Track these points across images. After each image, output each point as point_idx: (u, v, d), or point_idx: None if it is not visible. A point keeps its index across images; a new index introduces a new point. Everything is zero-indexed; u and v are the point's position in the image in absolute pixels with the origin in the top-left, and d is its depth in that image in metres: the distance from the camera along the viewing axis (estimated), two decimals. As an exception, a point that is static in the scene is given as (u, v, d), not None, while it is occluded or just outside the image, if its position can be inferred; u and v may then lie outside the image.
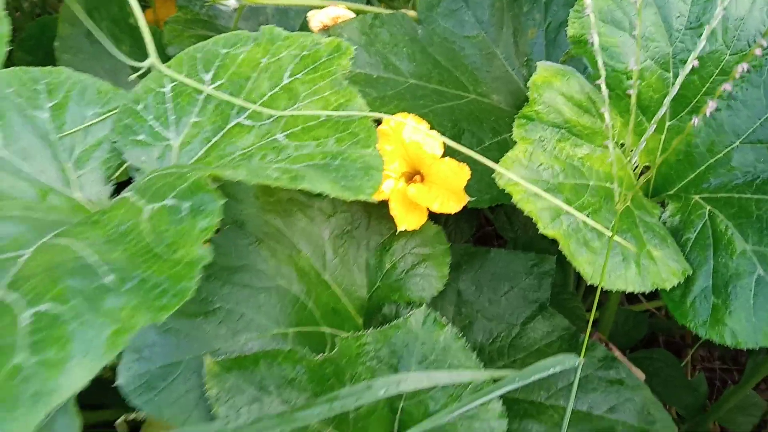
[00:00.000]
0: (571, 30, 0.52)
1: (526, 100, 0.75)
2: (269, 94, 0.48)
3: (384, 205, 0.56)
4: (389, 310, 0.55)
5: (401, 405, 0.47)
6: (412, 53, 0.71)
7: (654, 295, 1.10)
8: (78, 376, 0.24)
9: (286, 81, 0.48)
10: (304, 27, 0.72)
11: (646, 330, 1.02)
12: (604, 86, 0.42)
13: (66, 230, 0.34)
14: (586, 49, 0.51)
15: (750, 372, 0.82)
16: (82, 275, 0.28)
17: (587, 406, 0.60)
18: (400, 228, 0.52)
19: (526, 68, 0.73)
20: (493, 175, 0.49)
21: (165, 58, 0.82)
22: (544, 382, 0.62)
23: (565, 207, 0.43)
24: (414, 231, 0.56)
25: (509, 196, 0.56)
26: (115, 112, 0.52)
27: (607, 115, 0.41)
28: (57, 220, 0.38)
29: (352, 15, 0.70)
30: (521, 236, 0.98)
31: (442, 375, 0.40)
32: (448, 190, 0.52)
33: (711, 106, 0.36)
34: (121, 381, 0.42)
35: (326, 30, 0.68)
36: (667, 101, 0.43)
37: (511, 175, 0.44)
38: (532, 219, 1.08)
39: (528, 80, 0.74)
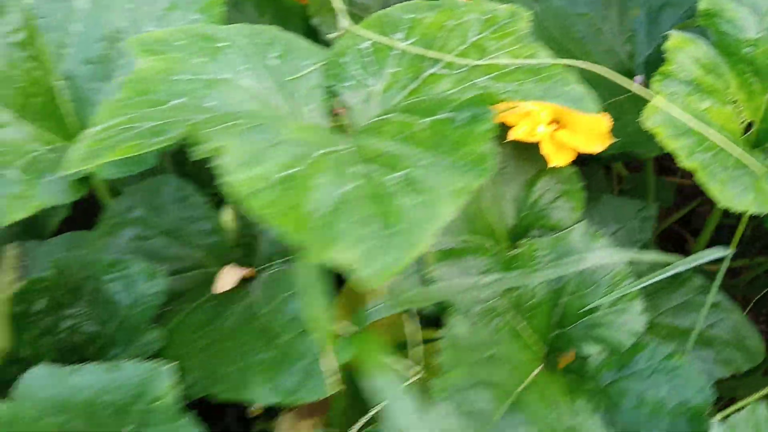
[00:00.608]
0: (702, 5, 0.63)
1: (628, 71, 0.87)
2: (459, 49, 0.59)
3: (529, 147, 0.67)
4: (534, 233, 0.66)
5: (562, 300, 0.59)
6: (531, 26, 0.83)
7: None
8: (448, 210, 0.35)
9: (472, 39, 0.59)
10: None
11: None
12: None
13: (356, 138, 0.45)
14: (713, 21, 0.62)
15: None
16: (408, 159, 0.40)
17: (689, 323, 0.72)
18: (551, 165, 0.64)
19: (629, 44, 0.85)
20: (637, 120, 0.61)
21: (308, 28, 0.94)
22: (651, 305, 0.73)
23: (717, 138, 0.55)
24: (555, 170, 0.67)
25: (636, 144, 0.68)
26: (321, 64, 0.63)
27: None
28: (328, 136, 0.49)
29: (482, -8, 0.82)
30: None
31: (623, 252, 0.50)
32: (590, 134, 0.64)
33: None
34: None
35: (463, 4, 0.80)
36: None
37: (674, 110, 0.55)
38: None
39: (631, 54, 0.86)
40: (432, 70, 0.59)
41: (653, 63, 0.86)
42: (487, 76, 0.55)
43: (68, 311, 0.67)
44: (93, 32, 0.65)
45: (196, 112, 0.50)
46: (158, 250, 0.70)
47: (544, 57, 0.55)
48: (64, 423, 0.55)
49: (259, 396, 0.54)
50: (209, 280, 0.72)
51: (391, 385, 0.34)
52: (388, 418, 0.32)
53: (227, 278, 0.71)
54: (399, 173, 0.38)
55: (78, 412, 0.54)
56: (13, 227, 0.71)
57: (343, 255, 0.33)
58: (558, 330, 0.60)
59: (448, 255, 0.53)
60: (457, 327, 0.51)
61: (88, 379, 0.53)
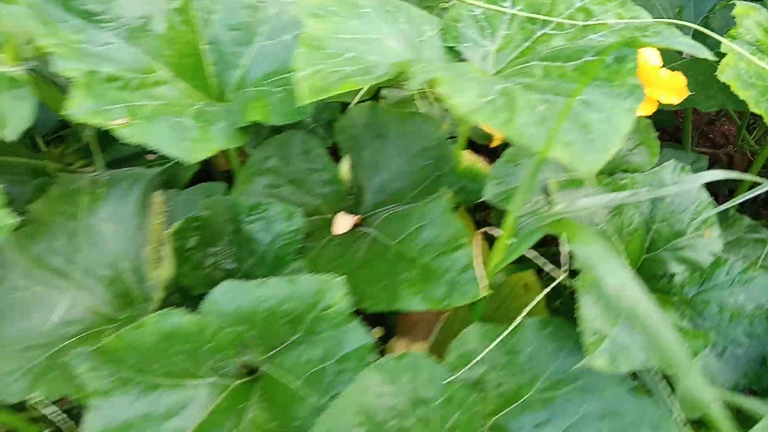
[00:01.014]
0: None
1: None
2: (566, 12, 0.69)
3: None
4: (618, 175, 0.77)
5: (654, 227, 0.70)
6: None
7: None
8: (626, 124, 0.46)
9: (578, 4, 0.69)
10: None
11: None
12: None
13: (506, 80, 0.55)
14: (768, -9, 0.74)
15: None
16: (572, 91, 0.50)
17: (741, 255, 0.83)
18: (638, 114, 0.74)
19: (678, 18, 0.96)
20: (715, 73, 0.72)
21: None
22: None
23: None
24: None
25: (695, 102, 0.79)
26: (439, 29, 0.73)
27: None
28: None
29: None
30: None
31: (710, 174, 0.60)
32: (669, 88, 0.75)
33: None
34: (488, 196, 0.65)
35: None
36: None
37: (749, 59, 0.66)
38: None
39: (679, 28, 0.98)
40: (543, 31, 0.69)
41: (700, 36, 0.98)
42: (599, 34, 0.65)
43: (211, 249, 0.76)
44: (237, 0, 0.74)
45: (368, 62, 0.59)
46: (286, 196, 0.80)
47: (645, 18, 0.65)
48: (243, 332, 0.64)
49: (411, 305, 0.64)
50: (325, 224, 0.82)
51: (600, 250, 0.44)
52: (601, 276, 0.42)
53: (343, 223, 0.81)
54: (575, 98, 0.48)
55: (257, 322, 0.63)
56: (156, 179, 0.80)
57: (561, 154, 0.43)
58: (648, 254, 0.71)
59: (568, 184, 0.64)
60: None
61: (271, 290, 0.63)
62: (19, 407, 0.67)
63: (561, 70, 0.55)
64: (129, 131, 0.60)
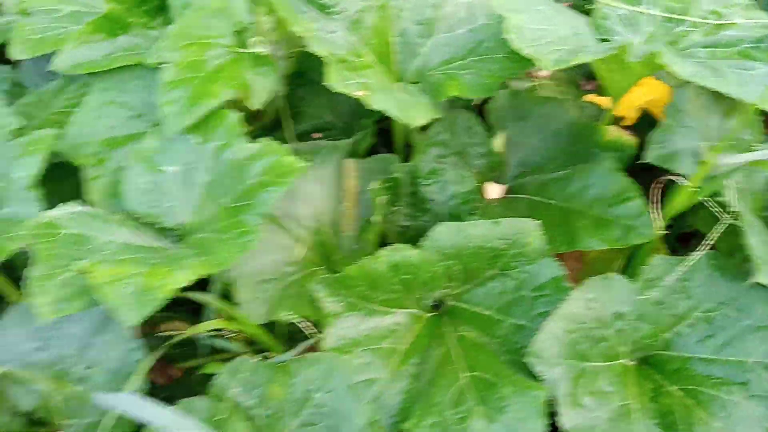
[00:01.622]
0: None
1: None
2: (698, 14, 0.85)
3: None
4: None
5: (774, 187, 0.85)
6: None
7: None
8: None
9: (709, 7, 0.85)
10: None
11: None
12: None
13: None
14: None
15: None
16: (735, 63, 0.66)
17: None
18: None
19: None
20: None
21: None
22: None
23: None
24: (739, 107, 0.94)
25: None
26: (590, 25, 0.88)
27: None
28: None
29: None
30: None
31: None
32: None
33: None
34: (650, 158, 0.80)
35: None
36: None
37: None
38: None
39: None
40: (681, 28, 0.85)
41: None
42: (731, 30, 0.81)
43: (392, 208, 0.90)
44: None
45: (564, 45, 0.75)
46: (451, 165, 0.94)
47: (765, 19, 0.81)
48: (450, 266, 0.78)
49: (591, 245, 0.78)
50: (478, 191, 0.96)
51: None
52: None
53: (495, 190, 0.96)
54: (737, 66, 0.64)
55: (465, 257, 0.77)
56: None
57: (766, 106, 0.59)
58: (766, 212, 0.86)
59: (715, 149, 0.79)
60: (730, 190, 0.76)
61: (480, 230, 0.77)
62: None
63: (725, 53, 0.71)
64: (373, 100, 0.74)
